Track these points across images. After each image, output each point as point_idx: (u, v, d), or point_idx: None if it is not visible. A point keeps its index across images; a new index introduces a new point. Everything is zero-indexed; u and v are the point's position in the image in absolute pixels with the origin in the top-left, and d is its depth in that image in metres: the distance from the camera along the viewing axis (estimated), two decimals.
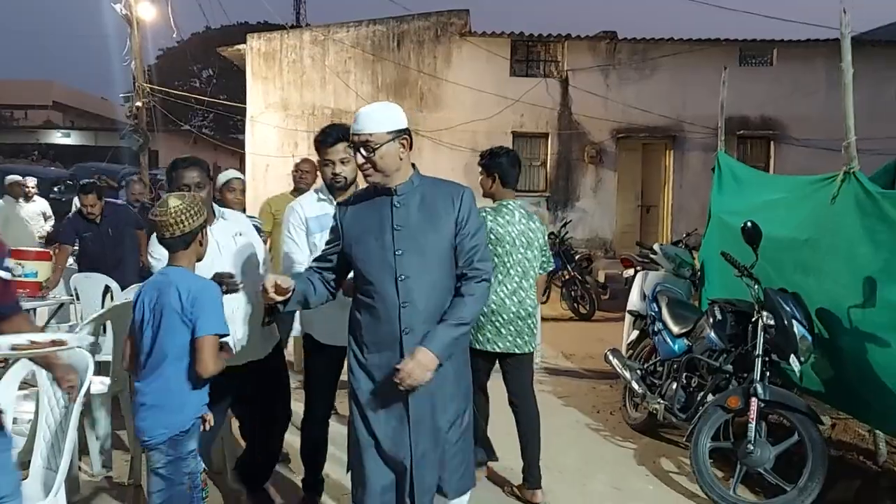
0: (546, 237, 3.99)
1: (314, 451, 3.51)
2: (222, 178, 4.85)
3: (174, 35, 15.20)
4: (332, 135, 3.29)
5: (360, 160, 2.49)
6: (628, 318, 6.11)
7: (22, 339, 2.09)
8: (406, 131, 2.52)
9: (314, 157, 5.33)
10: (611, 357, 5.27)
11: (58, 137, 33.20)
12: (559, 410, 5.70)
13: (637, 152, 15.18)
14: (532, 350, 3.88)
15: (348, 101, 14.39)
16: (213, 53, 21.95)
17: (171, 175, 3.02)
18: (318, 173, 5.46)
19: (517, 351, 3.78)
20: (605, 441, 4.95)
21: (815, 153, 13.13)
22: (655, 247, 6.55)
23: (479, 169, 3.93)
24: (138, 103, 12.73)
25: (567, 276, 10.29)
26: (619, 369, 5.15)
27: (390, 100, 15.10)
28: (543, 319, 7.79)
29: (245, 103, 14.92)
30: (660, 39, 14.62)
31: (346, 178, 3.31)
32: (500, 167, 3.84)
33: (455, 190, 2.58)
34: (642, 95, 14.46)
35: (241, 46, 14.32)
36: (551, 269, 4.07)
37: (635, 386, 4.92)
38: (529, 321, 3.80)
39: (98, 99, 47.96)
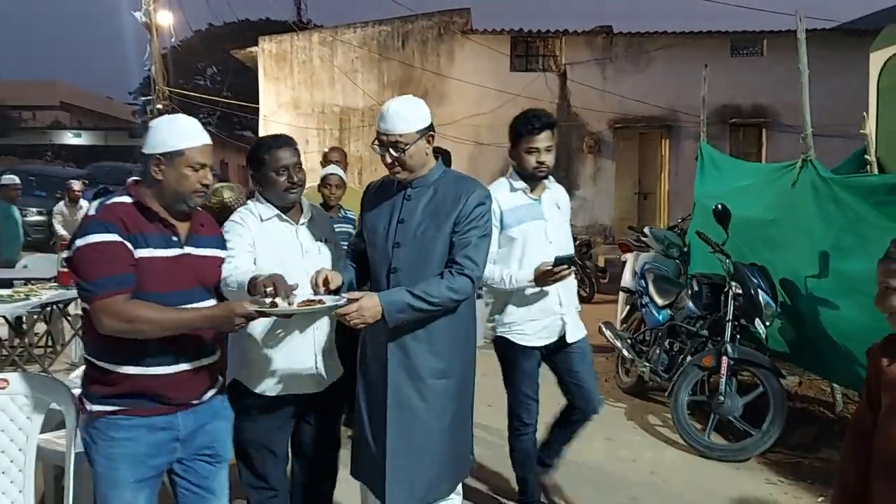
0: None
1: None
2: (322, 173, 4.83)
3: (172, 39, 15.76)
4: (538, 122, 3.11)
5: (389, 160, 2.48)
6: (622, 294, 6.74)
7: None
8: (431, 127, 2.53)
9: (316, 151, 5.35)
10: (604, 329, 5.87)
11: (69, 138, 33.77)
12: None
13: (634, 142, 15.75)
14: None
15: (356, 99, 15.00)
16: (217, 51, 22.51)
17: (264, 157, 2.62)
18: (347, 162, 5.45)
19: None
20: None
21: (813, 140, 13.67)
22: (646, 230, 7.15)
23: None
24: (159, 105, 13.40)
25: None
26: (611, 339, 5.76)
27: (395, 97, 15.60)
28: None
29: (251, 100, 15.51)
30: (654, 33, 15.18)
31: (549, 166, 3.16)
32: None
33: (467, 188, 2.52)
34: (638, 87, 15.01)
35: (252, 48, 14.95)
36: None
37: (626, 353, 5.54)
38: None
39: (103, 98, 48.60)
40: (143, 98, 15.44)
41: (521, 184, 3.21)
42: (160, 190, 2.19)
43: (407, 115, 2.48)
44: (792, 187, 4.74)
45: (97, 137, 34.98)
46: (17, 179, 9.73)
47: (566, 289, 3.26)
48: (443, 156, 4.28)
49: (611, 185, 15.56)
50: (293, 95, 15.09)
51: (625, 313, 6.41)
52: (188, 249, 2.25)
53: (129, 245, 2.11)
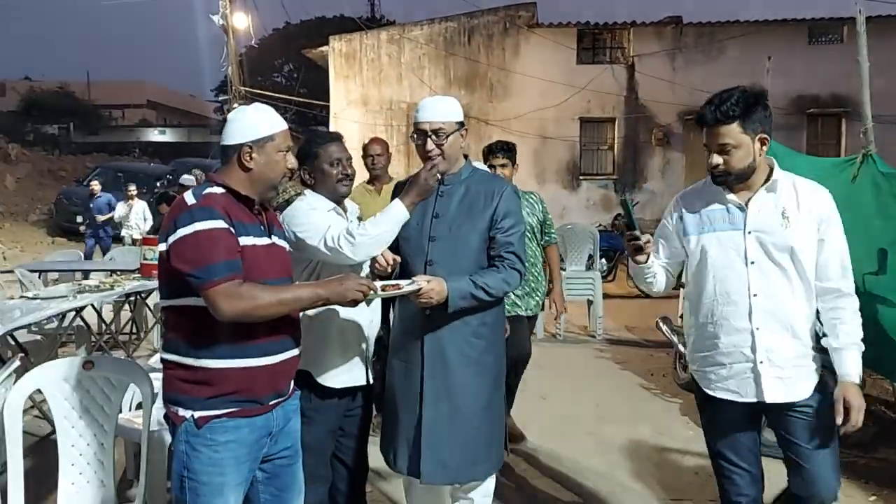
0: (545, 214, 4.51)
1: None
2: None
3: (252, 41, 16.29)
4: (710, 111, 2.30)
5: (431, 146, 2.57)
6: (682, 290, 6.69)
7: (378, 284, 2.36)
8: (464, 123, 2.66)
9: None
10: (661, 324, 5.87)
11: (155, 135, 35.32)
12: (616, 373, 6.37)
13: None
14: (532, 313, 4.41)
15: (423, 95, 15.10)
16: (294, 49, 23.18)
17: (318, 151, 2.76)
18: (391, 153, 4.88)
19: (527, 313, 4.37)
20: (655, 397, 5.60)
21: (888, 128, 13.08)
22: None
23: (500, 158, 4.24)
24: (235, 105, 13.92)
25: None
26: (668, 335, 5.75)
27: (462, 92, 16.00)
28: (610, 297, 8.42)
29: (324, 97, 15.92)
30: (726, 22, 14.82)
31: (727, 171, 2.33)
32: (515, 158, 4.33)
33: (497, 187, 2.65)
34: (709, 78, 14.63)
35: (324, 48, 15.39)
36: (555, 242, 4.60)
37: (682, 349, 5.54)
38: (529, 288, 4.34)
39: (187, 96, 50.61)
40: (221, 97, 16.12)
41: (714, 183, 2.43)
42: (251, 179, 2.15)
43: (444, 107, 2.62)
44: (852, 182, 4.66)
45: (180, 134, 36.44)
46: (194, 180, 10.30)
47: (768, 325, 2.36)
48: (511, 149, 4.31)
49: (680, 178, 15.29)
50: (362, 93, 15.44)
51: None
52: (274, 239, 2.23)
53: (234, 232, 2.06)
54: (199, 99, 47.09)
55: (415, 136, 2.65)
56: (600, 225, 11.72)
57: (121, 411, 3.10)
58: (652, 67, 14.84)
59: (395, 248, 2.68)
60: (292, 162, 2.24)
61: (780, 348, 2.36)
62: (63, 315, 5.12)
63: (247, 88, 15.05)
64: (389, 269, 2.53)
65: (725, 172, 2.35)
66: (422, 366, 2.60)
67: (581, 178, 15.25)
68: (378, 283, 2.37)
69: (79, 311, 5.38)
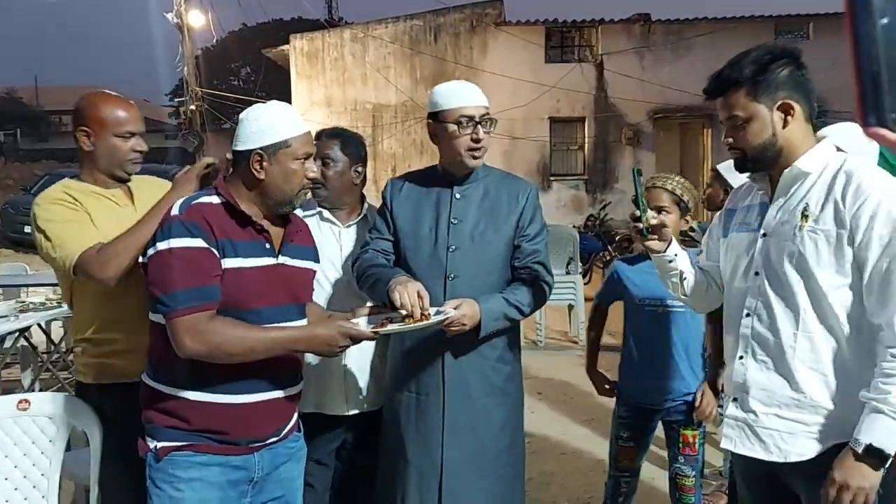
0: None
1: None
2: None
3: (213, 40, 15.81)
4: (720, 74, 1.81)
5: (482, 135, 2.17)
6: None
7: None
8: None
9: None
10: None
11: None
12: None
13: (675, 132, 15.35)
14: None
15: (388, 95, 14.85)
16: (251, 51, 22.65)
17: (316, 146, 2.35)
18: None
19: None
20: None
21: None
22: (693, 224, 6.83)
23: None
24: (192, 106, 13.40)
25: (608, 257, 10.62)
26: None
27: (429, 92, 15.53)
28: (586, 299, 8.13)
29: (284, 99, 15.46)
30: (694, 19, 14.78)
31: (743, 152, 1.83)
32: None
33: (521, 187, 2.31)
34: (678, 75, 14.61)
35: (284, 47, 14.95)
36: None
37: None
38: None
39: (140, 100, 49.35)
40: (176, 99, 15.57)
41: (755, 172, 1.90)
42: (262, 191, 1.87)
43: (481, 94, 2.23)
44: None
45: None
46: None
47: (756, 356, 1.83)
48: None
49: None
50: (326, 93, 15.02)
51: None
52: (282, 259, 1.91)
53: (216, 252, 1.78)
54: (154, 103, 46.00)
55: (459, 124, 2.15)
56: (574, 226, 11.48)
57: (69, 449, 2.70)
58: (621, 65, 14.72)
59: (401, 260, 2.29)
60: (313, 171, 1.92)
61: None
62: (4, 336, 4.61)
63: (204, 90, 14.51)
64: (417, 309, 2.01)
65: (741, 154, 1.83)
66: (442, 397, 2.21)
67: (552, 178, 15.05)
68: (394, 317, 1.98)
69: (22, 331, 4.86)
